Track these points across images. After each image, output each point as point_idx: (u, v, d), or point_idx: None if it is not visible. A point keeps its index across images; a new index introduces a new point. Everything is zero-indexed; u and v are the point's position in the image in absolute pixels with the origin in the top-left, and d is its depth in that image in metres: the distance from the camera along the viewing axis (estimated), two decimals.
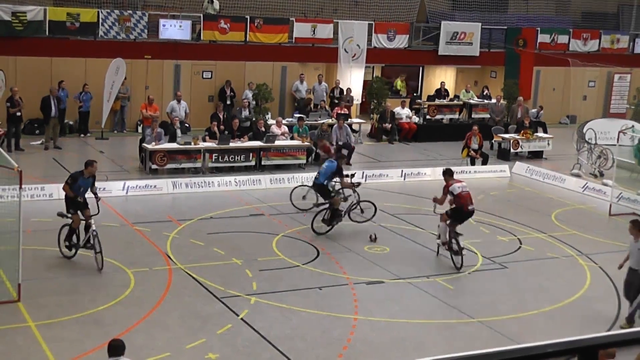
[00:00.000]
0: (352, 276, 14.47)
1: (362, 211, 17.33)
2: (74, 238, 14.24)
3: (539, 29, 33.25)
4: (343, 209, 17.03)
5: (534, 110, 27.88)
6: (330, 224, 16.78)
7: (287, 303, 13.02)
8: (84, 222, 14.17)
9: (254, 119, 24.77)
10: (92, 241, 13.88)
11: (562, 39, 33.49)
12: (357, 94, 29.34)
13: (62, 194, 18.43)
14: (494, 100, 29.65)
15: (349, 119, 26.79)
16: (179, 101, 24.73)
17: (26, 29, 25.12)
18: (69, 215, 14.12)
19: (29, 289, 12.79)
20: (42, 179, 19.55)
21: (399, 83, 32.66)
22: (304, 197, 18.16)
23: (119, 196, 19.01)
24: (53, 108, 23.46)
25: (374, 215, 17.40)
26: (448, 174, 15.31)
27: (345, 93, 28.54)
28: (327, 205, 16.87)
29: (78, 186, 14.16)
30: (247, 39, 28.11)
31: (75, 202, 14.13)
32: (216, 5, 28.64)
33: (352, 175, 17.90)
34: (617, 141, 20.86)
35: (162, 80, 27.12)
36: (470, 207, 14.92)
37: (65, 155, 22.93)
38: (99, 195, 14.64)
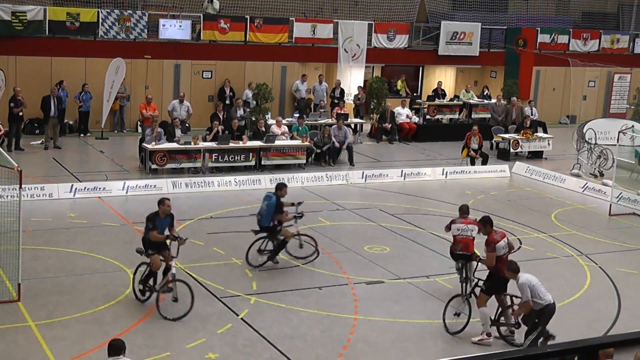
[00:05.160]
0: (352, 276, 14.47)
1: (300, 246, 14.90)
2: (151, 281, 12.72)
3: (539, 29, 33.25)
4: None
5: (527, 109, 27.87)
6: (271, 258, 14.67)
7: (287, 303, 13.02)
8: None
9: (252, 118, 24.73)
10: (171, 285, 12.41)
11: (562, 39, 33.50)
12: (353, 92, 29.33)
13: (65, 195, 18.56)
14: (494, 100, 29.65)
15: (348, 119, 26.81)
16: (181, 101, 24.72)
17: (26, 28, 25.12)
18: (149, 253, 12.68)
19: (29, 289, 12.80)
20: (42, 179, 19.55)
21: (399, 83, 32.67)
22: (259, 251, 14.90)
23: (119, 196, 19.02)
24: (52, 108, 23.46)
25: (314, 256, 14.88)
26: (489, 223, 12.60)
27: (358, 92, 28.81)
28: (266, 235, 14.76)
29: (156, 228, 12.77)
30: (247, 39, 28.11)
31: (155, 243, 12.72)
32: (216, 5, 28.65)
33: (299, 204, 14.94)
34: (617, 141, 20.87)
35: (162, 80, 27.12)
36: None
37: (65, 155, 22.94)
38: (182, 236, 12.88)
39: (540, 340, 11.41)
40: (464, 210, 13.57)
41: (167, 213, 12.85)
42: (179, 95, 25.32)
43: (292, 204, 14.80)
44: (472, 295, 12.32)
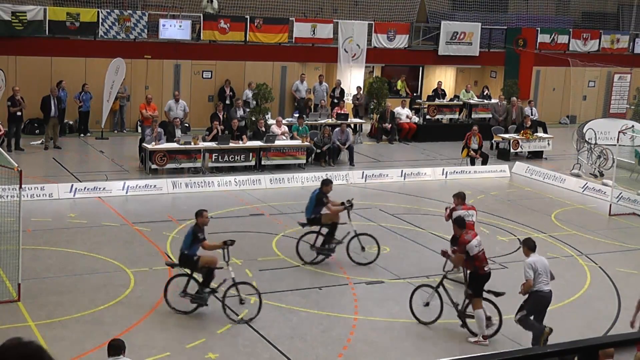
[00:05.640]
0: (352, 276, 14.47)
1: (362, 248, 14.98)
2: (188, 287, 12.52)
3: (539, 29, 33.25)
4: (338, 239, 14.99)
5: (527, 109, 27.88)
6: (320, 253, 14.95)
7: (287, 303, 13.02)
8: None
9: (252, 118, 24.72)
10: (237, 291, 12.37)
11: (562, 39, 33.50)
12: (353, 93, 29.34)
13: (65, 195, 18.55)
14: (495, 100, 29.66)
15: (348, 119, 26.81)
16: (177, 101, 24.73)
17: (26, 28, 25.12)
18: (196, 259, 12.41)
19: (29, 289, 12.80)
20: (42, 179, 19.55)
21: (399, 83, 32.68)
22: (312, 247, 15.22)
23: (119, 196, 19.02)
24: (53, 108, 23.47)
25: (376, 256, 15.01)
26: (460, 225, 12.66)
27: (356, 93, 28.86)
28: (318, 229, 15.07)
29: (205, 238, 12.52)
30: (247, 39, 28.11)
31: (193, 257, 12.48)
32: (215, 4, 28.64)
33: (350, 206, 14.95)
34: (617, 141, 20.87)
35: (162, 80, 27.12)
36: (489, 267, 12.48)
37: (65, 155, 22.94)
38: (231, 239, 12.67)
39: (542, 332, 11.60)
40: (462, 197, 14.28)
41: (206, 224, 12.56)
42: (174, 94, 25.28)
43: (342, 204, 14.94)
44: (442, 286, 12.45)
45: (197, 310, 12.42)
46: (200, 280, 12.46)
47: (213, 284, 12.47)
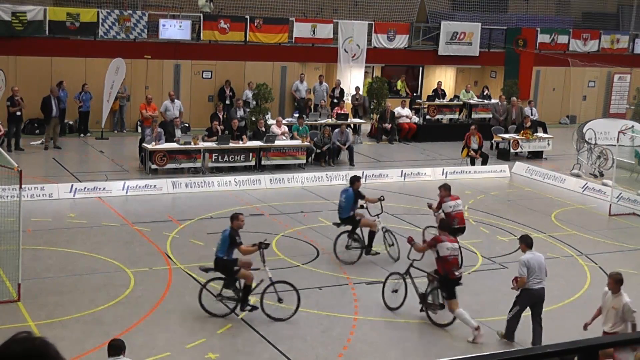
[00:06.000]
0: (352, 276, 14.47)
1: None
2: (220, 292, 12.55)
3: (539, 29, 33.25)
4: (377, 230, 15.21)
5: (527, 109, 27.88)
6: (363, 249, 15.20)
7: (287, 303, 13.01)
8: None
9: (252, 118, 24.72)
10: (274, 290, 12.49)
11: (562, 39, 33.50)
12: (352, 93, 29.34)
13: (65, 195, 18.55)
14: (495, 100, 29.66)
15: (348, 119, 26.81)
16: (172, 100, 24.73)
17: (26, 29, 25.12)
18: (236, 270, 12.43)
19: (29, 289, 12.80)
20: (42, 179, 19.55)
21: (399, 83, 32.69)
22: (347, 247, 15.49)
23: (119, 196, 19.02)
24: (54, 108, 23.48)
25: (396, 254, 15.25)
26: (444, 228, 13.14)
27: (355, 93, 28.86)
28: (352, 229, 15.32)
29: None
30: (247, 39, 28.12)
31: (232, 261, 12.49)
32: (210, 4, 28.56)
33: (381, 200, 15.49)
34: (617, 141, 20.88)
35: (162, 80, 27.12)
36: (460, 272, 12.77)
37: (65, 155, 22.94)
38: (265, 242, 12.73)
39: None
40: (448, 188, 15.02)
41: (241, 227, 12.49)
42: (169, 94, 25.23)
43: (379, 200, 15.44)
44: (408, 274, 12.96)
45: (231, 313, 12.40)
46: (239, 288, 12.49)
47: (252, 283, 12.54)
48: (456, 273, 12.41)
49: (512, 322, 12.02)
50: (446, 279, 12.37)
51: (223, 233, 12.51)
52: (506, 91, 30.12)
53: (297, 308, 12.43)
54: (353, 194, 15.14)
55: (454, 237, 12.98)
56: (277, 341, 11.61)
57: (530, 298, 11.89)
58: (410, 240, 13.09)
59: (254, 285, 12.41)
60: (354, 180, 15.45)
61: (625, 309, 10.59)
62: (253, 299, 12.54)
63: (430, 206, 15.54)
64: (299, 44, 29.13)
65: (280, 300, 12.49)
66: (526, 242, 12.08)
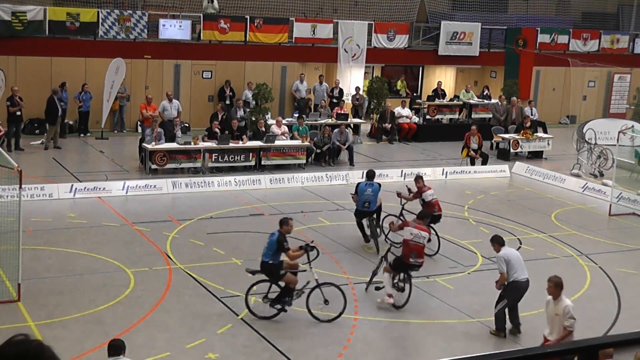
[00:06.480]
0: (352, 276, 14.47)
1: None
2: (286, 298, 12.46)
3: (539, 29, 33.25)
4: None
5: (527, 109, 27.87)
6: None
7: (332, 305, 12.94)
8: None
9: (252, 118, 24.73)
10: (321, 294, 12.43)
11: (562, 39, 33.50)
12: (352, 93, 29.34)
13: (65, 195, 18.55)
14: (495, 100, 29.65)
15: (348, 119, 26.82)
16: (170, 100, 24.72)
17: (26, 29, 25.12)
18: (282, 274, 12.33)
19: (29, 289, 12.80)
20: (42, 179, 19.55)
21: (399, 83, 32.69)
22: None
23: (119, 196, 19.02)
24: (60, 108, 23.52)
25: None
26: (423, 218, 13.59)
27: (355, 93, 28.86)
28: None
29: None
30: (247, 39, 28.11)
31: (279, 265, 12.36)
32: (216, 4, 28.64)
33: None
34: (617, 141, 20.88)
35: (162, 80, 27.12)
36: (417, 260, 13.07)
37: (65, 155, 22.94)
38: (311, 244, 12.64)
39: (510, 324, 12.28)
40: (423, 178, 16.26)
41: (289, 232, 12.46)
42: (166, 94, 25.22)
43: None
44: (385, 258, 13.52)
45: (278, 315, 12.40)
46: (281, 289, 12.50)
47: (298, 286, 12.57)
48: (411, 260, 12.94)
49: (501, 315, 12.16)
50: (400, 261, 13.06)
51: (270, 237, 12.41)
52: (506, 91, 30.11)
53: (343, 309, 12.36)
54: (379, 187, 16.03)
55: (427, 228, 13.51)
56: (277, 341, 11.61)
57: (519, 290, 12.02)
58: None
59: (296, 289, 12.42)
60: (372, 176, 16.38)
61: (564, 311, 9.96)
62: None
63: (399, 194, 16.26)
64: (299, 44, 29.13)
65: (326, 301, 12.46)
66: (498, 242, 12.26)
